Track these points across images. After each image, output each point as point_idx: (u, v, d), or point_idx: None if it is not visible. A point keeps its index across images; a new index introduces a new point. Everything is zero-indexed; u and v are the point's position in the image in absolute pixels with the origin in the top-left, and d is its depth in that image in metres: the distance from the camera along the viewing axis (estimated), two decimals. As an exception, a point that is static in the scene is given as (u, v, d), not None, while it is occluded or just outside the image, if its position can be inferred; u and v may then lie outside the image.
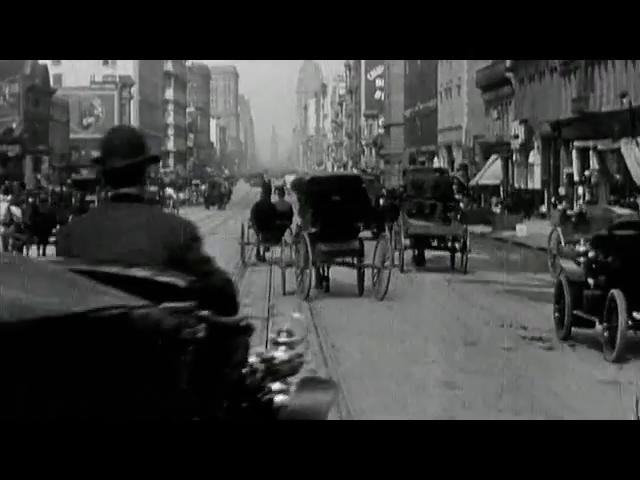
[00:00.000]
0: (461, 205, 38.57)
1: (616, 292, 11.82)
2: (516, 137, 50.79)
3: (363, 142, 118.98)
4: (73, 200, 35.19)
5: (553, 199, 36.79)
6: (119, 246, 3.79)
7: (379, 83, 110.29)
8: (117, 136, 4.09)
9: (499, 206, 40.56)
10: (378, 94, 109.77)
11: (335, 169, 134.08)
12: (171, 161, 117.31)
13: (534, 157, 48.96)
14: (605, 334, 12.03)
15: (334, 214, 17.60)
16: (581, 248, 14.05)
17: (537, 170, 48.70)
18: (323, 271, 18.28)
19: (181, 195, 71.56)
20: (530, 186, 48.96)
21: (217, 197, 66.09)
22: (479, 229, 36.79)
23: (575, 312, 12.83)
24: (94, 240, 3.85)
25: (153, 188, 62.74)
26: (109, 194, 4.01)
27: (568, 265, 13.87)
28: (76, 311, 3.04)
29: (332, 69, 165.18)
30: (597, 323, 12.53)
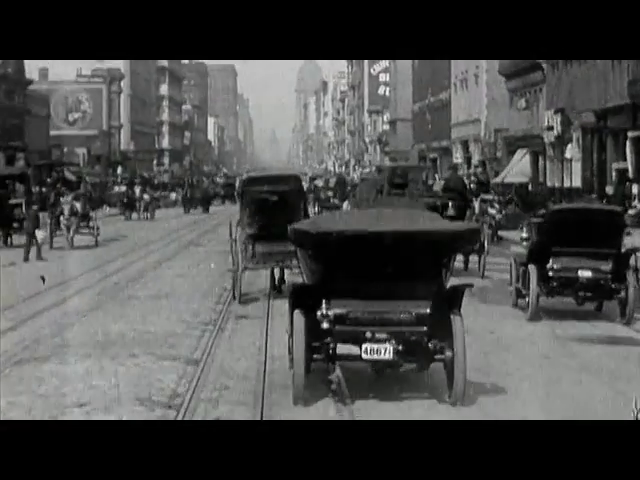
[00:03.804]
0: (495, 210, 32.82)
1: (530, 266, 15.09)
2: (550, 129, 46.58)
3: (367, 139, 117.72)
4: None
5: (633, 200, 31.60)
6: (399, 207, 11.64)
7: (383, 78, 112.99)
8: (400, 167, 18.12)
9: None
10: (382, 89, 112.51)
11: (337, 168, 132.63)
12: (166, 159, 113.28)
13: (572, 151, 44.54)
14: (526, 299, 15.24)
15: (271, 215, 17.65)
16: (524, 234, 17.57)
17: (576, 166, 44.24)
18: (279, 273, 18.09)
19: (173, 195, 65.52)
20: (567, 184, 44.63)
21: (199, 200, 57.65)
22: (513, 235, 30.28)
23: (516, 285, 15.94)
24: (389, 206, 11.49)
25: (120, 188, 56.34)
26: (391, 191, 12.46)
27: (516, 248, 18.54)
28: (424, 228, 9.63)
29: (332, 66, 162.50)
30: None
